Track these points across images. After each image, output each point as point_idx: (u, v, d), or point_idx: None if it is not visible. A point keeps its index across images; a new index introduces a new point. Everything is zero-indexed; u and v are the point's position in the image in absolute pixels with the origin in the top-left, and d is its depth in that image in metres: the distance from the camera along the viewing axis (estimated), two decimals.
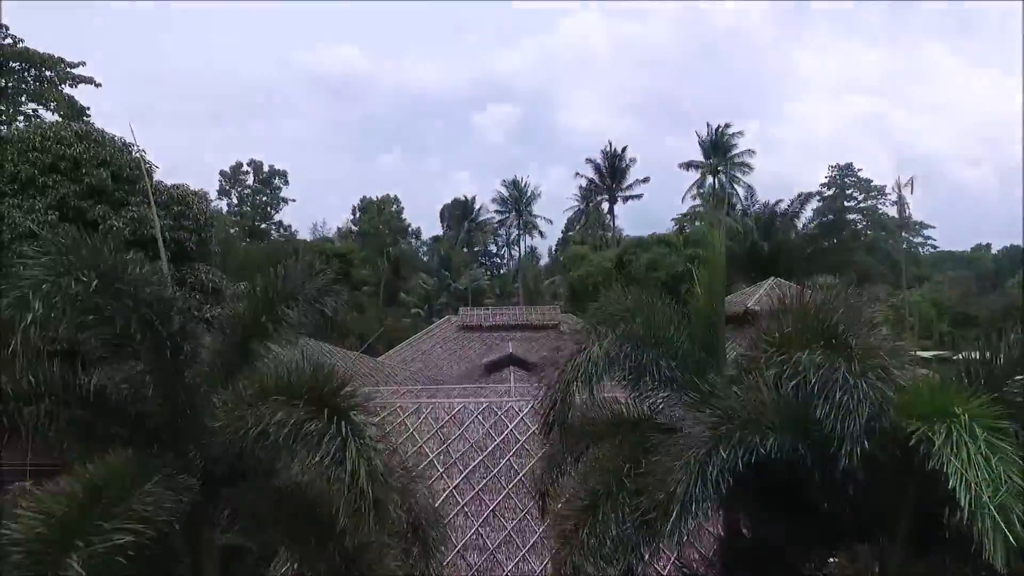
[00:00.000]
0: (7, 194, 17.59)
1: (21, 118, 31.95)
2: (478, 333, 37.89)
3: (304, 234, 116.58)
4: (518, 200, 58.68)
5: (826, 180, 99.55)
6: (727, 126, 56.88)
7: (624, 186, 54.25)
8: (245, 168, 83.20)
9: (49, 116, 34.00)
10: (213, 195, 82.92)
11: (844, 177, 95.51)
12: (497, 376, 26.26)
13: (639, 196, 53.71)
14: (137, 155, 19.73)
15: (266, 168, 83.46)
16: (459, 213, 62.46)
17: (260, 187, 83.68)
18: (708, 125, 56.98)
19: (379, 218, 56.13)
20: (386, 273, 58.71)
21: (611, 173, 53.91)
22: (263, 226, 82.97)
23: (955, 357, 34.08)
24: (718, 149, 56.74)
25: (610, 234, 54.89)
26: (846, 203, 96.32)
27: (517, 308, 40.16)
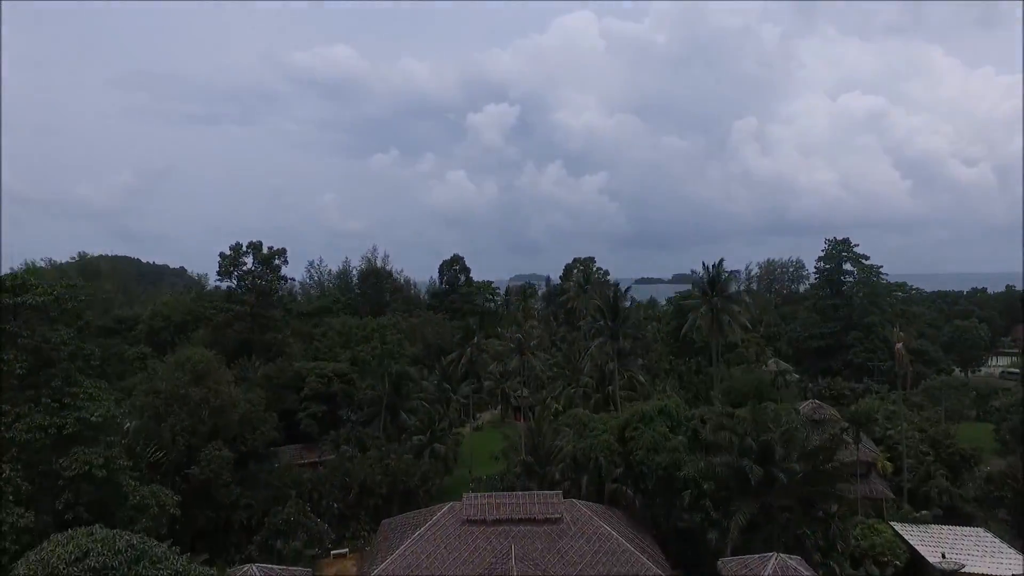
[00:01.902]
0: None
1: None
2: (481, 527, 38.25)
3: (299, 271, 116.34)
4: (521, 343, 59.06)
5: (822, 253, 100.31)
6: (721, 262, 57.25)
7: (625, 326, 54.71)
8: (245, 249, 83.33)
9: None
10: (213, 277, 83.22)
11: (840, 252, 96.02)
12: None
13: (640, 337, 53.99)
14: None
15: (265, 249, 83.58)
16: (461, 336, 62.62)
17: (260, 268, 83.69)
18: (704, 265, 57.56)
19: (382, 348, 56.21)
20: (387, 394, 58.86)
21: (613, 315, 54.32)
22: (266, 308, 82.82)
23: (960, 570, 33.93)
24: (714, 287, 57.13)
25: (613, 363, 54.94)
26: (842, 277, 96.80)
27: (520, 496, 40.32)
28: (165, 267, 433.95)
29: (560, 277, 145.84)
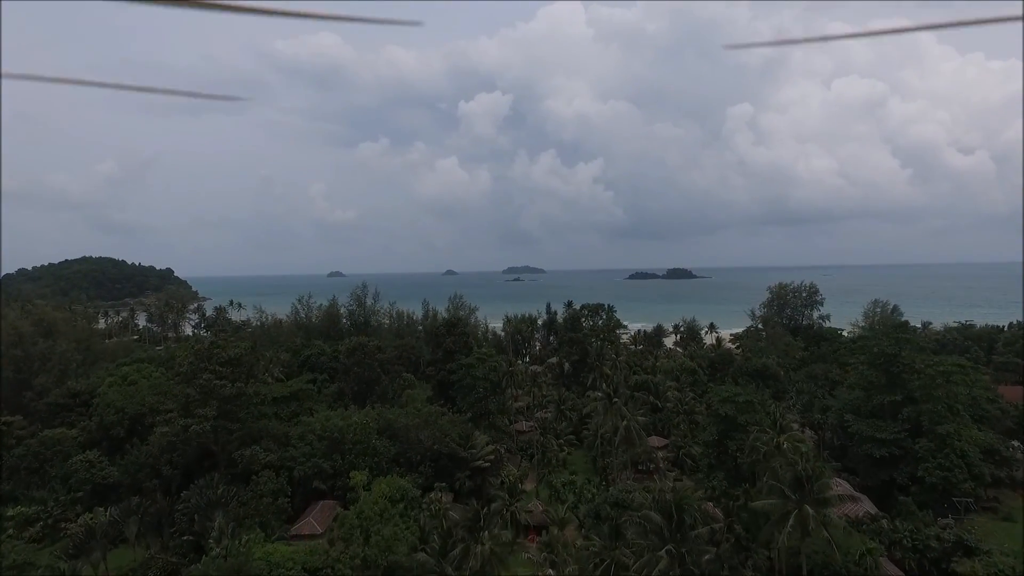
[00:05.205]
0: None
1: None
2: None
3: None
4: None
5: (862, 324, 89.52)
6: None
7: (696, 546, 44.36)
8: None
9: None
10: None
11: (897, 336, 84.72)
12: None
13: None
14: None
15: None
16: (471, 520, 51.92)
17: (227, 370, 72.45)
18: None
19: (365, 552, 45.67)
20: None
21: (679, 534, 43.80)
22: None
23: None
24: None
25: None
26: (902, 361, 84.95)
27: None
28: (151, 268, 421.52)
29: (564, 320, 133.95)
